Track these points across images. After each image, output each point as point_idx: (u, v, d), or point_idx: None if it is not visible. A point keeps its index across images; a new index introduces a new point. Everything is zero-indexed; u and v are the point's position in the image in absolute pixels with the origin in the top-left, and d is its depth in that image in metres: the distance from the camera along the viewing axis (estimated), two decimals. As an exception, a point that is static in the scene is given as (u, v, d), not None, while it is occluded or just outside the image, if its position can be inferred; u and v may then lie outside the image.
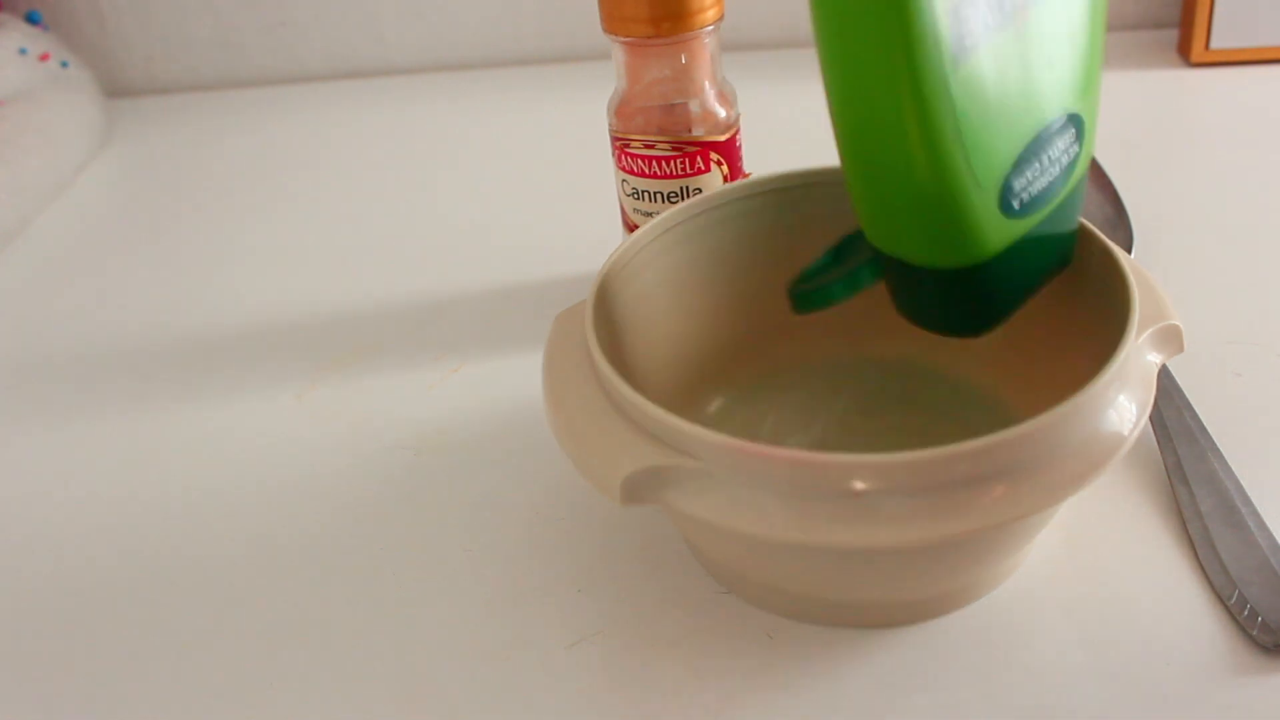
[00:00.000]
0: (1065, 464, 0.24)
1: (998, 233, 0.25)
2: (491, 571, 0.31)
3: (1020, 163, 0.25)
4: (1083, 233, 0.30)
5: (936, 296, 0.27)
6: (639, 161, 0.37)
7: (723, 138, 0.37)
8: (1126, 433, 0.25)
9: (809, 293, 0.29)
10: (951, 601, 0.28)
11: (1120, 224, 0.41)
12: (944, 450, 0.23)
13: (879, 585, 0.27)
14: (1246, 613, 0.27)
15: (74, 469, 0.37)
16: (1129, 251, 0.40)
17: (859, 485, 0.24)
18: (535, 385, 0.38)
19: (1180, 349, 0.28)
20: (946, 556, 0.26)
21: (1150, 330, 0.27)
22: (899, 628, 0.28)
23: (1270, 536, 0.29)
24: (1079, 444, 0.24)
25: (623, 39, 0.35)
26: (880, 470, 0.24)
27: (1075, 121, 0.26)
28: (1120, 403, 0.25)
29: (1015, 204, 0.25)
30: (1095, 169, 0.42)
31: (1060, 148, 0.26)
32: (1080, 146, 0.27)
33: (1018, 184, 0.25)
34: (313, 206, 0.52)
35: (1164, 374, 0.34)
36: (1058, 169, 0.26)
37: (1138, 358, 0.26)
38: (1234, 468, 0.31)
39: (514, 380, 0.39)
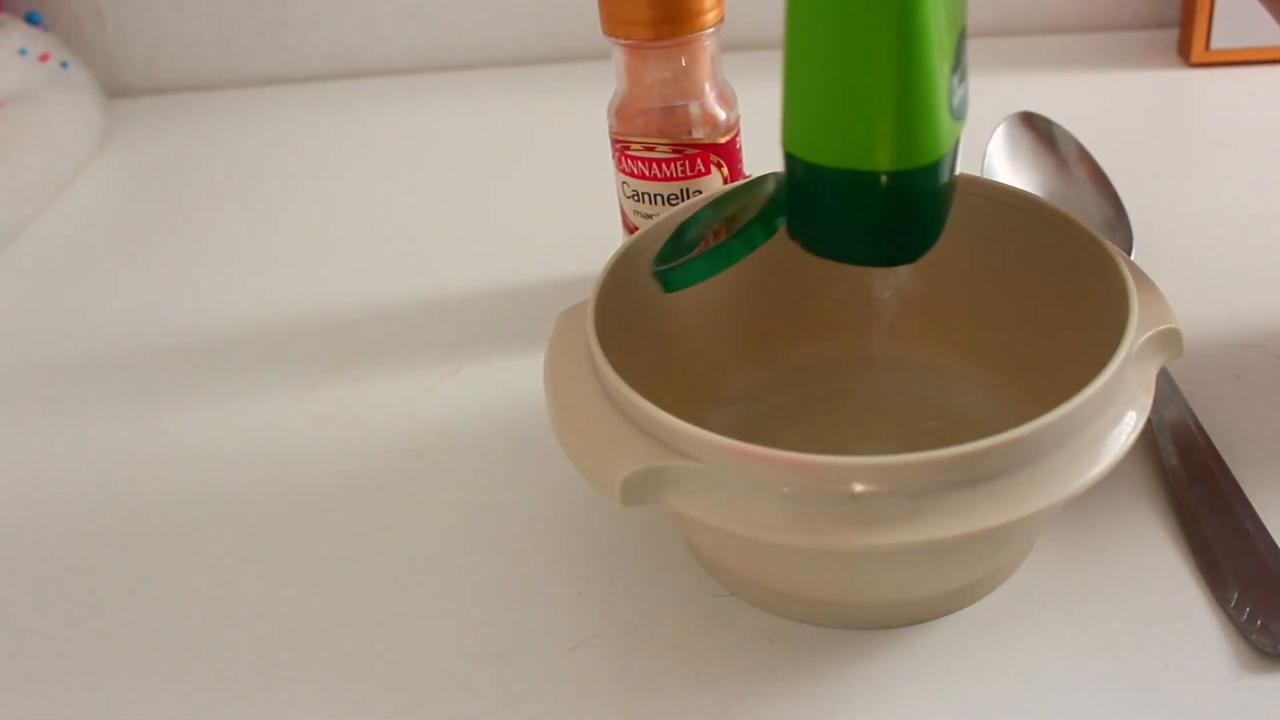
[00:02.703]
0: (1064, 466, 0.24)
1: (947, 129, 0.25)
2: (492, 574, 0.31)
3: (955, 57, 0.25)
4: (1082, 235, 0.30)
5: (875, 216, 0.26)
6: (639, 164, 0.37)
7: (723, 140, 0.37)
8: (1125, 436, 0.25)
9: (680, 269, 0.28)
10: (951, 603, 0.29)
11: (1120, 225, 0.41)
12: (943, 453, 0.23)
13: (879, 587, 0.27)
14: (1246, 616, 0.27)
15: (74, 469, 0.37)
16: (1129, 253, 0.40)
17: (858, 487, 0.24)
18: (536, 386, 0.38)
19: (1180, 352, 0.28)
20: (946, 558, 0.26)
21: (1150, 333, 0.27)
22: (899, 629, 0.28)
23: (1270, 539, 0.29)
24: (1078, 447, 0.24)
25: (623, 41, 0.35)
26: (880, 472, 0.24)
27: (964, 41, 0.26)
28: (1119, 406, 0.25)
29: (954, 100, 0.25)
30: (1095, 169, 0.42)
31: (965, 61, 0.26)
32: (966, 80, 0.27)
33: (954, 80, 0.25)
34: (313, 207, 0.52)
35: (1164, 376, 0.34)
36: (966, 83, 0.26)
37: (1137, 361, 0.27)
38: (1234, 470, 0.31)
39: (514, 381, 0.39)
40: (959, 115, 0.26)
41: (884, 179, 0.25)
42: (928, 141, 0.25)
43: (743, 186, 0.31)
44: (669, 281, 0.28)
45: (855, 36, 0.24)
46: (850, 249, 0.27)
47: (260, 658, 0.29)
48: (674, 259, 0.29)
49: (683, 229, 0.30)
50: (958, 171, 0.27)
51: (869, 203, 0.26)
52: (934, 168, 0.25)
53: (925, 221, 0.27)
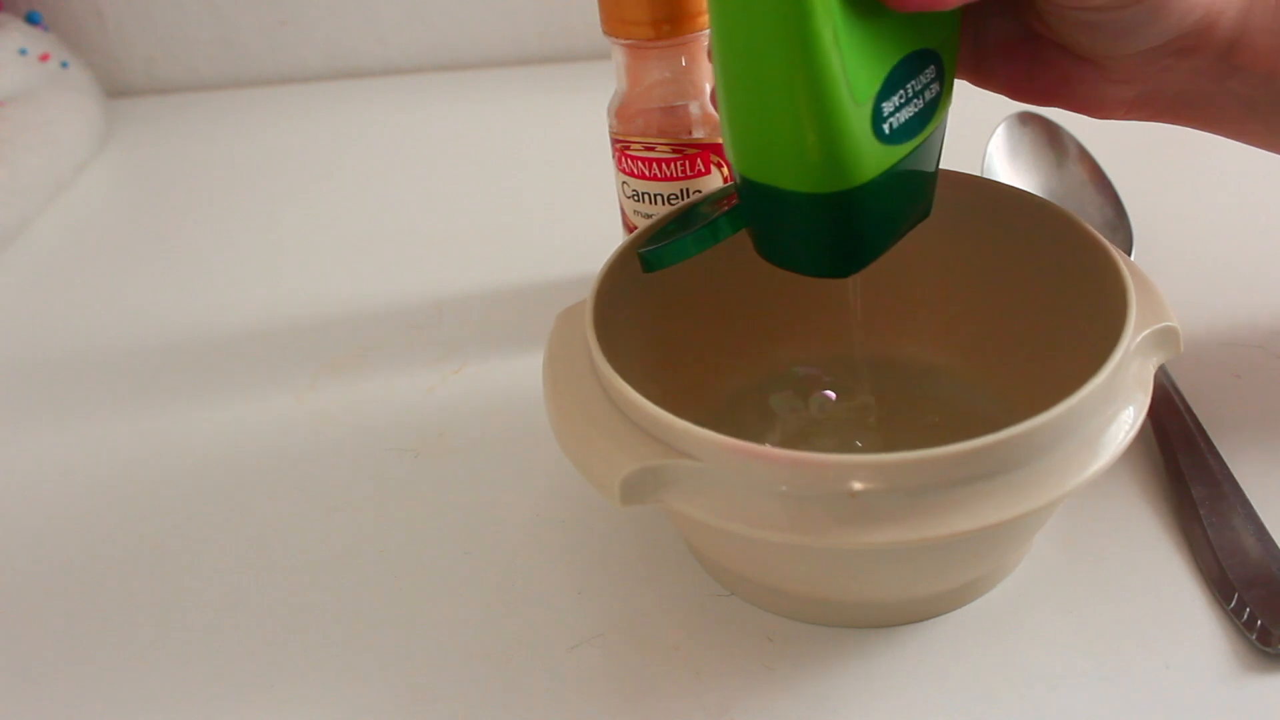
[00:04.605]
0: (1062, 464, 0.24)
1: (871, 157, 0.25)
2: (491, 574, 0.31)
3: (888, 84, 0.25)
4: (1082, 234, 0.30)
5: (806, 231, 0.27)
6: (639, 164, 0.37)
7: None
8: (1123, 434, 0.25)
9: (657, 251, 0.28)
10: (950, 601, 0.29)
11: (1120, 225, 0.41)
12: (942, 450, 0.23)
13: (878, 585, 0.27)
14: (1245, 616, 0.27)
15: (74, 469, 0.37)
16: (1128, 253, 0.40)
17: (857, 485, 0.24)
18: (535, 386, 0.38)
19: (1178, 351, 0.28)
20: (944, 556, 0.26)
21: (1148, 331, 0.27)
22: (899, 628, 0.28)
23: (1270, 539, 0.29)
24: (1076, 444, 0.24)
25: (623, 41, 0.35)
26: (878, 470, 0.24)
27: (934, 59, 0.26)
28: (1117, 403, 0.25)
29: (886, 129, 0.25)
30: (1095, 169, 0.42)
31: (922, 81, 0.26)
32: (941, 87, 0.27)
33: (886, 108, 0.25)
34: (313, 206, 0.52)
35: (1164, 375, 0.34)
36: (921, 102, 0.26)
37: (1135, 359, 0.27)
38: (1233, 470, 0.31)
39: (514, 381, 0.39)
40: (892, 140, 0.26)
41: (801, 199, 0.25)
42: (844, 166, 0.25)
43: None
44: (646, 262, 0.29)
45: (756, 57, 0.24)
46: (783, 257, 0.28)
47: (260, 657, 0.29)
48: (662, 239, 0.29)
49: (681, 218, 0.30)
50: (942, 170, 0.28)
51: (790, 223, 0.26)
52: (854, 194, 0.25)
53: (852, 244, 0.27)
